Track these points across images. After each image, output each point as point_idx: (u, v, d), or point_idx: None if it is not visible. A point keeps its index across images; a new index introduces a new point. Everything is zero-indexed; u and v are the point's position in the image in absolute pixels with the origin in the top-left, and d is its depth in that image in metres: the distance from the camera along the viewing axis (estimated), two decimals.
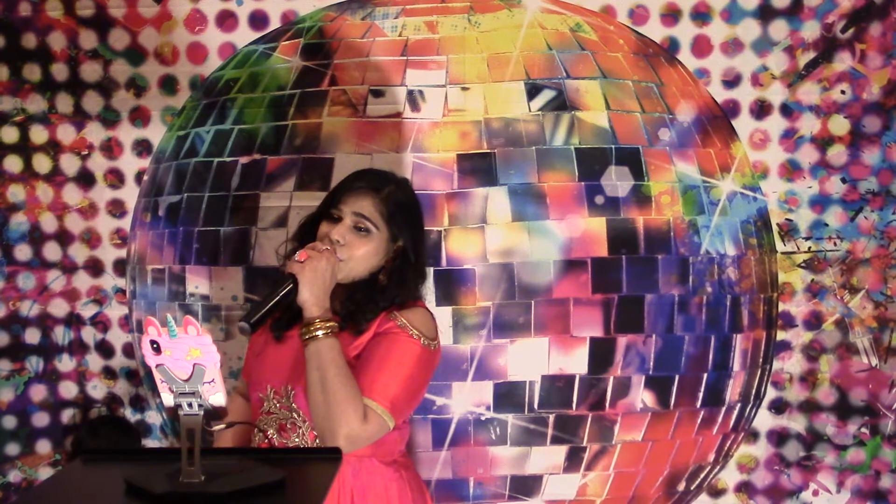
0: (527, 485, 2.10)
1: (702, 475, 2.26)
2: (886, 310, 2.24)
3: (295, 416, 1.52)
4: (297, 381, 1.51)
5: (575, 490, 2.11)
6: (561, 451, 2.07)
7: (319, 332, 1.41)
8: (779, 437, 2.29)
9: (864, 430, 2.26)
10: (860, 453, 2.26)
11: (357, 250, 1.50)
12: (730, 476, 2.30)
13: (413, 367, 1.48)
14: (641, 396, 2.08)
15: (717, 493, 2.31)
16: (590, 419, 2.06)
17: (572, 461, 2.09)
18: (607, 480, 2.11)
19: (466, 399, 2.04)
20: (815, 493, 2.28)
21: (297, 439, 1.51)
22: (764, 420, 2.29)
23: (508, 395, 2.04)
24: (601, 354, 2.05)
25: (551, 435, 2.06)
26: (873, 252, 2.25)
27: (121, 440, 2.28)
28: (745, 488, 2.30)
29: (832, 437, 2.26)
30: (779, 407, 2.29)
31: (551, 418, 2.05)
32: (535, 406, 2.05)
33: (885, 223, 2.25)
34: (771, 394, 2.29)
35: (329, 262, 1.45)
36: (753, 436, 2.30)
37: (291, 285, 1.43)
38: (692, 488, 2.26)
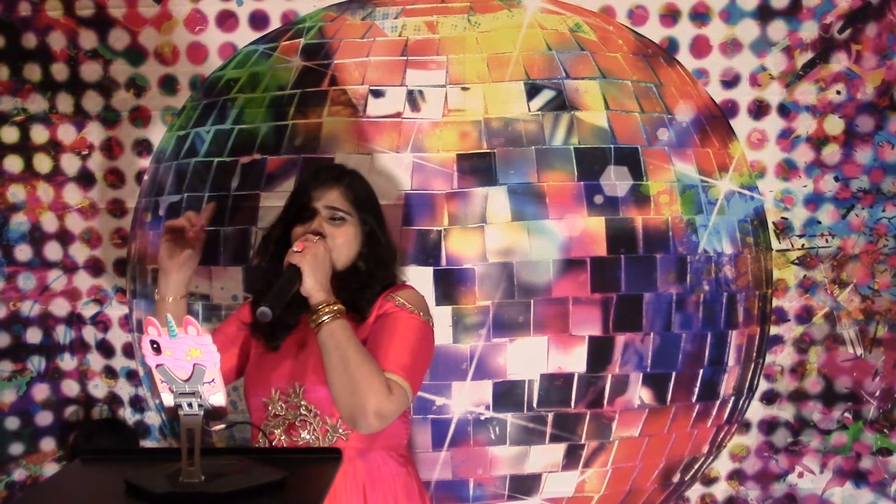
0: (526, 484, 2.11)
1: (696, 466, 2.28)
2: (873, 303, 2.30)
3: (304, 412, 1.53)
4: (304, 378, 1.53)
5: (573, 487, 2.12)
6: (559, 449, 2.08)
7: (328, 317, 1.44)
8: (769, 426, 2.34)
9: (847, 415, 2.33)
10: (843, 437, 2.34)
11: (339, 238, 1.57)
12: (722, 465, 2.35)
13: (418, 339, 1.54)
14: (639, 393, 2.09)
15: (709, 481, 2.35)
16: (588, 417, 2.07)
17: (571, 459, 2.09)
18: (605, 476, 2.12)
19: (466, 399, 2.04)
20: (800, 475, 2.34)
21: (307, 436, 1.53)
22: (755, 411, 2.33)
23: (508, 395, 2.05)
24: (600, 353, 2.06)
25: (550, 433, 2.07)
26: (862, 248, 2.28)
27: (117, 443, 2.29)
28: (736, 475, 2.35)
29: (818, 422, 2.33)
30: (770, 398, 2.33)
31: (550, 417, 2.06)
32: (535, 405, 2.05)
33: (875, 220, 2.27)
34: (763, 386, 2.33)
35: (326, 248, 1.50)
36: (745, 426, 2.34)
37: (297, 275, 1.45)
38: (686, 479, 2.28)
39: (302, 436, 1.53)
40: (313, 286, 1.45)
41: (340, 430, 1.53)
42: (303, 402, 1.53)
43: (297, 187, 1.65)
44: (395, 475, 1.56)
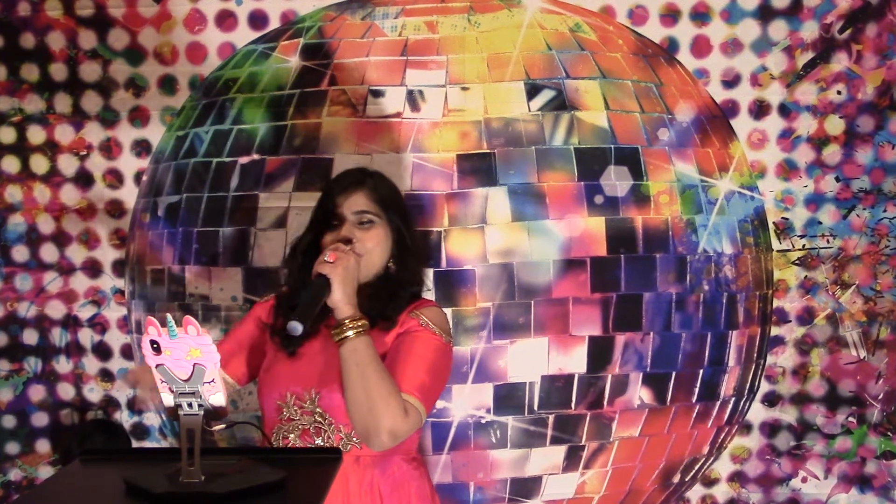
0: (526, 486, 2.10)
1: (696, 467, 2.28)
2: (875, 304, 2.30)
3: (319, 419, 1.52)
4: (322, 385, 1.52)
5: (574, 489, 2.11)
6: (560, 451, 2.07)
7: (353, 332, 1.43)
8: (771, 429, 2.34)
9: (851, 419, 2.32)
10: (847, 441, 2.33)
11: (369, 242, 1.55)
12: (723, 466, 2.34)
13: (437, 360, 1.52)
14: (639, 393, 2.09)
15: (710, 482, 2.34)
16: (588, 418, 2.07)
17: (571, 460, 2.09)
18: (605, 477, 2.12)
19: (466, 402, 2.04)
20: (804, 480, 2.33)
21: (321, 443, 1.52)
22: (757, 412, 2.33)
23: (508, 397, 2.04)
24: (600, 353, 2.06)
25: (551, 435, 2.06)
26: (864, 249, 2.28)
27: (111, 445, 2.28)
28: (737, 477, 2.34)
29: (821, 426, 2.32)
30: (771, 400, 2.33)
31: (551, 419, 2.05)
32: (535, 407, 2.05)
33: (876, 220, 2.27)
34: (764, 387, 2.32)
35: (356, 260, 1.49)
36: (746, 428, 2.33)
37: (326, 285, 1.43)
38: (686, 480, 2.28)
39: (317, 442, 1.52)
40: (341, 299, 1.43)
41: (354, 439, 1.52)
42: (318, 409, 1.52)
43: (321, 195, 1.62)
44: (409, 480, 1.55)
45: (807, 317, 2.31)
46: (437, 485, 2.01)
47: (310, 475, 1.15)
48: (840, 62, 2.24)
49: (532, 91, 2.08)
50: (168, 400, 1.09)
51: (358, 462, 1.51)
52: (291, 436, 1.53)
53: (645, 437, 2.11)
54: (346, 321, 1.43)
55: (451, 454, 2.05)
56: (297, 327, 1.35)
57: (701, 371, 2.14)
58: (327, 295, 1.43)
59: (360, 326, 1.43)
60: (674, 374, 2.11)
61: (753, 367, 2.28)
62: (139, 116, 2.33)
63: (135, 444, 2.38)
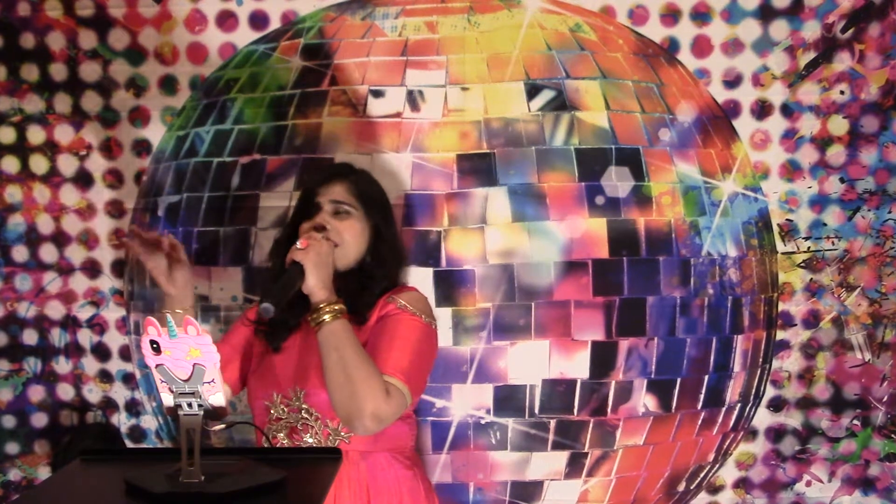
0: (528, 490, 2.09)
1: (701, 475, 2.26)
2: (880, 306, 2.28)
3: (306, 416, 1.52)
4: (305, 382, 1.52)
5: (576, 496, 2.10)
6: (562, 456, 2.06)
7: (329, 316, 1.43)
8: (776, 434, 2.32)
9: (855, 422, 2.30)
10: (851, 444, 2.31)
11: (345, 232, 1.56)
12: (728, 473, 2.32)
13: (420, 343, 1.52)
14: (643, 400, 2.07)
15: (715, 490, 2.32)
16: (591, 425, 2.05)
17: (574, 467, 2.07)
18: (609, 486, 2.10)
19: (466, 402, 2.03)
20: (808, 484, 2.32)
21: (310, 439, 1.52)
22: (762, 418, 2.31)
23: (509, 399, 2.03)
24: (603, 358, 2.04)
25: (552, 440, 2.05)
26: (869, 250, 2.26)
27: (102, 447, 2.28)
28: (742, 483, 2.32)
29: (826, 430, 2.31)
30: (777, 405, 2.31)
31: (552, 423, 2.04)
32: (536, 410, 2.03)
33: (881, 222, 2.26)
34: (770, 392, 2.30)
35: (329, 246, 1.49)
36: (752, 433, 2.31)
37: (300, 272, 1.43)
38: (692, 487, 2.26)
39: (305, 439, 1.52)
40: (315, 284, 1.44)
41: (342, 434, 1.52)
42: (304, 406, 1.52)
43: (303, 190, 1.64)
44: (399, 478, 1.55)
45: (812, 320, 2.30)
46: (437, 485, 2.00)
47: (309, 475, 1.15)
48: (842, 62, 2.23)
49: (532, 91, 2.07)
50: (168, 400, 1.09)
51: (346, 456, 1.50)
52: (280, 434, 1.53)
53: (650, 446, 2.10)
54: (322, 305, 1.43)
55: (451, 454, 2.04)
56: (269, 309, 1.35)
57: (706, 377, 2.13)
58: (301, 281, 1.43)
59: (336, 310, 1.43)
60: (678, 380, 2.10)
61: (759, 371, 2.26)
62: (139, 116, 2.32)
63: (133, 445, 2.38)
